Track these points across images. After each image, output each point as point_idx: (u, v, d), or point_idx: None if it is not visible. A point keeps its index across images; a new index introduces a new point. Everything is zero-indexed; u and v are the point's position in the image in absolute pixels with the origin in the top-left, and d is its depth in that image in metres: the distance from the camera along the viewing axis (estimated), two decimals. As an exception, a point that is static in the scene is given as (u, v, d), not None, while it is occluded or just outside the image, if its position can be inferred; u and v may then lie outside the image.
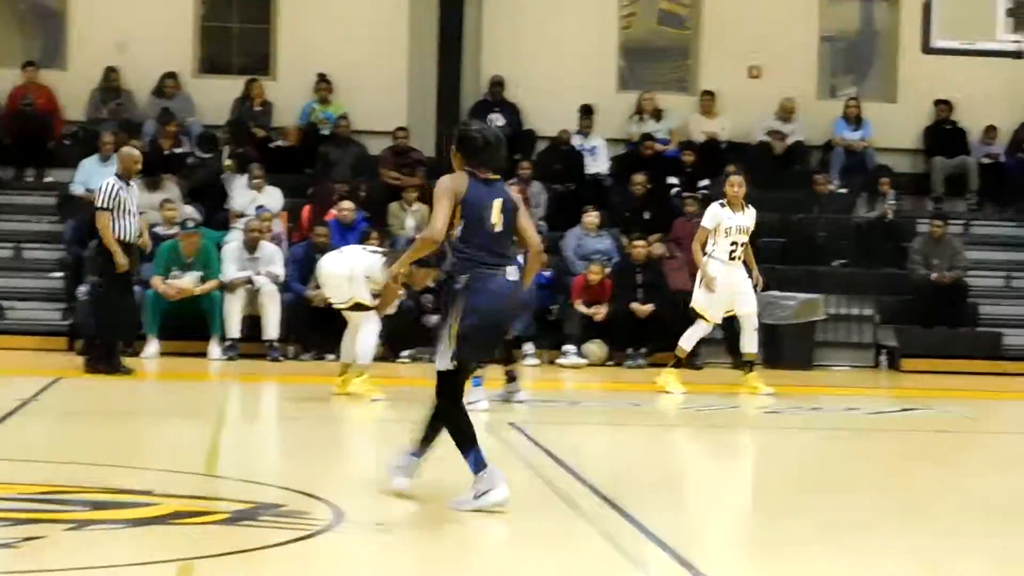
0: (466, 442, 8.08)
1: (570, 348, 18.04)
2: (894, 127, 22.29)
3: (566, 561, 7.21)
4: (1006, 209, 22.04)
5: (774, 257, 20.04)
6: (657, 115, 21.94)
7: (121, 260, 14.79)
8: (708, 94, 22.04)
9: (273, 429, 13.08)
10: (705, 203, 20.04)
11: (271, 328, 17.60)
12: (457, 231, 8.04)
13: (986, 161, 22.16)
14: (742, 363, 15.40)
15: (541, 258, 8.75)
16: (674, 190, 20.93)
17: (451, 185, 8.10)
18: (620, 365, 18.01)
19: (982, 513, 8.93)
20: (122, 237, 14.86)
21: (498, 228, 8.16)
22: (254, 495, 8.48)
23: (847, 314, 19.59)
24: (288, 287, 17.82)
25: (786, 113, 22.00)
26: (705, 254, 14.83)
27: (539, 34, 21.85)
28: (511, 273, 8.20)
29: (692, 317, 15.08)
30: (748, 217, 14.92)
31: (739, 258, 14.87)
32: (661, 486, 9.72)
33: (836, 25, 23.65)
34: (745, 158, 21.27)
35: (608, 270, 18.50)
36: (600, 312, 18.11)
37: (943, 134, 22.27)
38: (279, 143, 20.83)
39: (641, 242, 18.58)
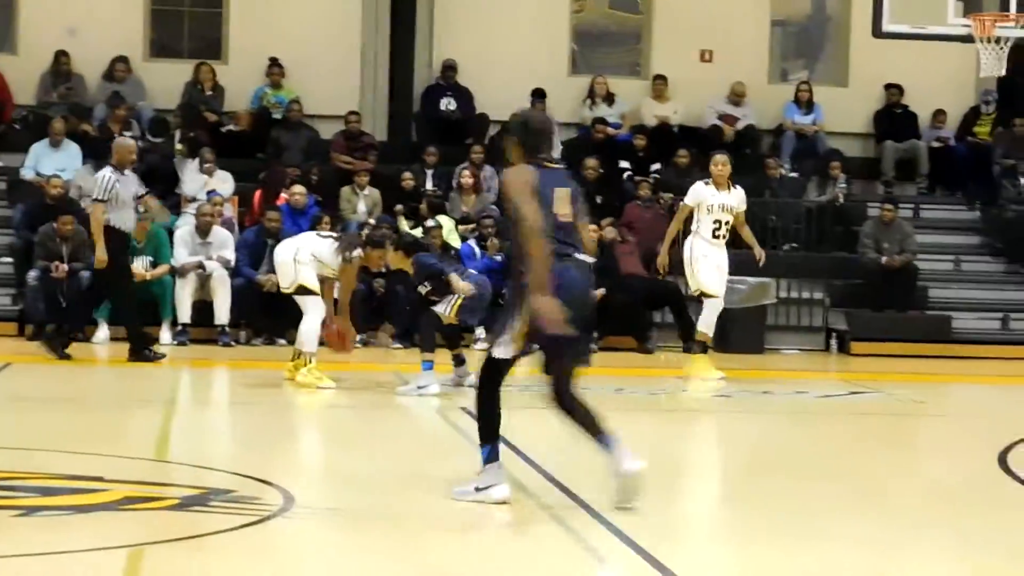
0: (490, 434, 7.96)
1: (522, 332, 18.00)
2: (845, 111, 22.39)
3: (520, 546, 7.23)
4: (956, 193, 22.17)
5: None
6: (609, 99, 21.97)
7: (102, 255, 14.81)
8: (660, 78, 22.07)
9: (224, 414, 13.05)
10: (656, 188, 20.20)
11: (222, 313, 17.55)
12: None
13: (936, 145, 22.28)
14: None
15: (592, 247, 8.34)
16: (626, 174, 20.97)
17: (526, 178, 7.74)
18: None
19: (934, 497, 8.99)
20: (119, 227, 14.89)
21: (567, 218, 7.91)
22: (205, 480, 8.47)
23: (797, 298, 19.69)
24: (239, 272, 17.77)
25: (737, 97, 22.06)
26: (689, 232, 14.84)
27: (492, 18, 21.84)
28: (581, 262, 7.95)
29: (700, 300, 15.04)
30: (734, 197, 14.94)
31: (723, 237, 14.87)
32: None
33: (787, 9, 23.74)
34: (696, 142, 21.39)
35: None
36: (552, 296, 18.09)
37: (893, 118, 22.39)
38: (230, 127, 20.75)
39: (593, 226, 18.56)
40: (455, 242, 18.45)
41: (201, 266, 17.62)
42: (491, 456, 7.95)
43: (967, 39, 17.38)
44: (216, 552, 6.79)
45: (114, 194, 14.81)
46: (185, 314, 17.50)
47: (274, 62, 21.16)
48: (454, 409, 11.97)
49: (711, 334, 15.07)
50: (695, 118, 22.07)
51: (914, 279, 19.81)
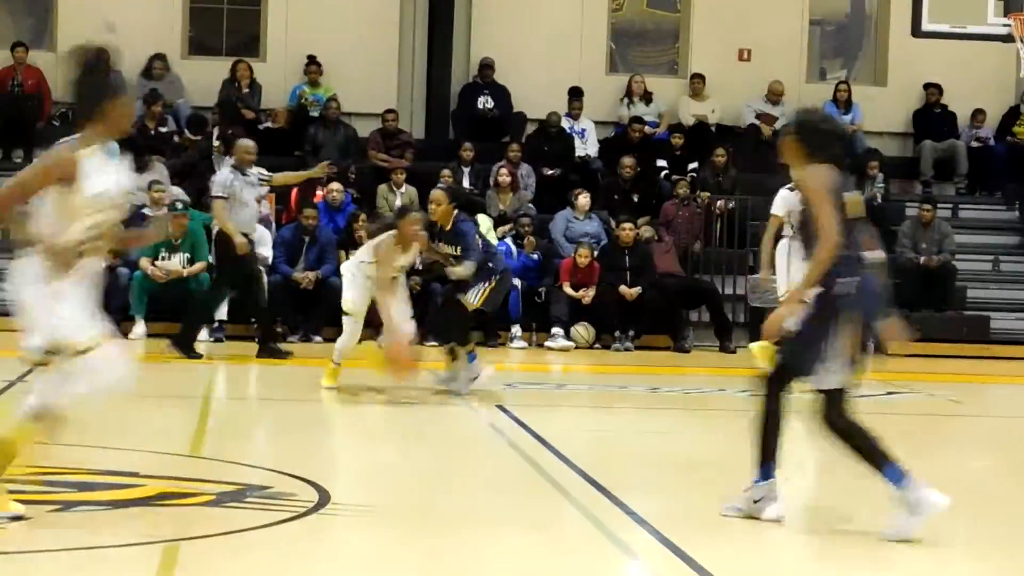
0: (771, 453, 7.61)
1: (558, 331, 18.03)
2: (883, 111, 22.31)
3: (553, 543, 7.23)
4: (994, 193, 22.07)
5: (757, 240, 20.04)
6: (647, 98, 21.93)
7: (240, 240, 15.06)
8: (698, 77, 22.03)
9: (260, 411, 13.08)
10: (694, 187, 20.16)
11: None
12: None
13: (975, 145, 22.17)
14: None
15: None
16: (663, 173, 20.94)
17: (829, 183, 7.35)
18: (607, 348, 18.01)
19: (980, 495, 8.96)
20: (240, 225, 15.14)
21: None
22: (241, 476, 8.49)
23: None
24: (276, 269, 17.80)
25: (775, 96, 22.00)
26: (780, 237, 14.34)
27: (529, 16, 21.84)
28: (876, 267, 7.67)
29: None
30: None
31: None
32: (647, 469, 9.74)
33: (826, 8, 23.66)
34: (734, 141, 21.36)
35: (596, 253, 18.50)
36: (587, 295, 18.12)
37: (932, 118, 22.28)
38: (268, 125, 20.79)
39: (629, 225, 18.57)
40: (492, 240, 18.46)
41: (238, 263, 17.64)
42: (769, 473, 7.60)
43: (1007, 38, 17.31)
44: (251, 548, 6.81)
45: (232, 191, 14.94)
46: (222, 311, 17.54)
47: (312, 60, 21.18)
48: (490, 406, 11.97)
49: None
50: (733, 117, 22.02)
51: (952, 279, 19.72)
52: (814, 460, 9.20)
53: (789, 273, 14.62)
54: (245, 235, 15.27)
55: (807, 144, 7.49)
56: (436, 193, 13.00)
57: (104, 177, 6.89)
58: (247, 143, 15.59)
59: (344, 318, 12.84)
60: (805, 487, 9.23)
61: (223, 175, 15.25)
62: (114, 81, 7.15)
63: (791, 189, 14.67)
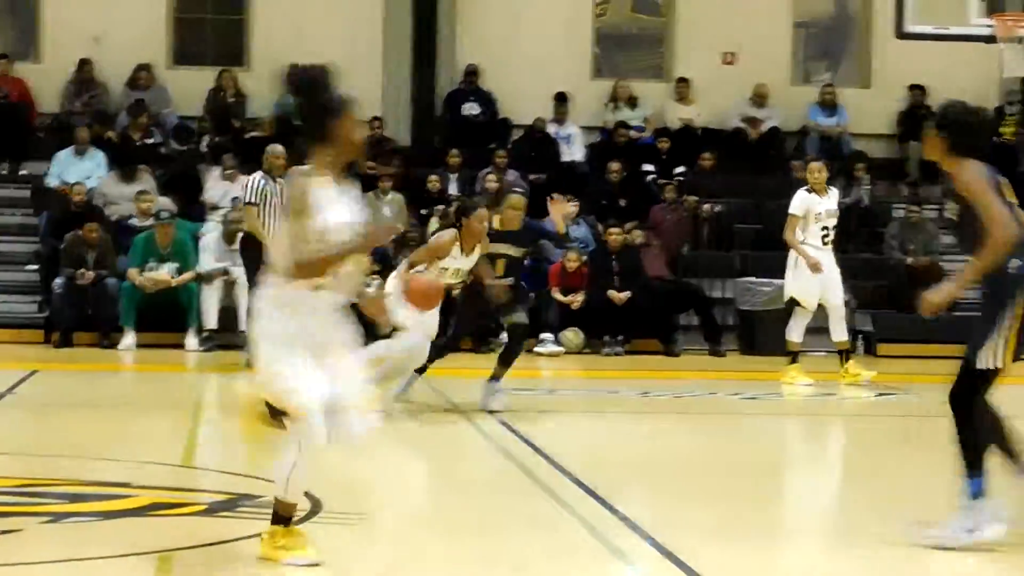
0: (977, 463, 7.12)
1: (547, 336, 18.03)
2: (868, 113, 22.34)
3: (547, 548, 7.23)
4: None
5: (750, 243, 20.10)
6: (632, 102, 21.96)
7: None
8: (683, 81, 22.06)
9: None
10: (680, 190, 20.17)
11: (247, 319, 17.55)
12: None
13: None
14: (836, 353, 15.23)
15: None
16: (649, 177, 20.95)
17: (984, 174, 7.18)
18: (597, 353, 18.01)
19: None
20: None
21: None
22: (232, 486, 8.48)
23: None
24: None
25: (760, 99, 22.03)
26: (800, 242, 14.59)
27: (513, 22, 21.84)
28: None
29: (789, 309, 14.98)
30: (833, 200, 14.82)
31: (831, 243, 14.77)
32: (639, 473, 9.74)
33: (810, 11, 23.70)
34: (720, 144, 21.39)
35: (584, 258, 18.51)
36: (577, 300, 18.12)
37: (917, 119, 22.30)
38: (254, 134, 20.78)
39: (617, 229, 18.58)
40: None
41: (226, 272, 17.64)
42: (979, 492, 7.09)
43: (990, 39, 17.33)
44: (244, 558, 6.80)
45: (263, 197, 14.70)
46: (211, 320, 17.52)
47: (297, 68, 21.13)
48: (482, 412, 11.96)
49: (799, 341, 14.94)
50: (718, 120, 22.04)
51: (940, 280, 19.67)
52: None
53: (794, 276, 14.69)
54: None
55: (952, 138, 7.30)
56: (518, 199, 12.28)
57: (338, 207, 6.55)
58: (276, 148, 15.22)
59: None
60: (806, 491, 9.24)
61: (255, 181, 14.87)
62: (338, 100, 6.65)
63: (808, 191, 14.73)
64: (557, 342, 18.05)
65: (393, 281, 11.67)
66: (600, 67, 22.71)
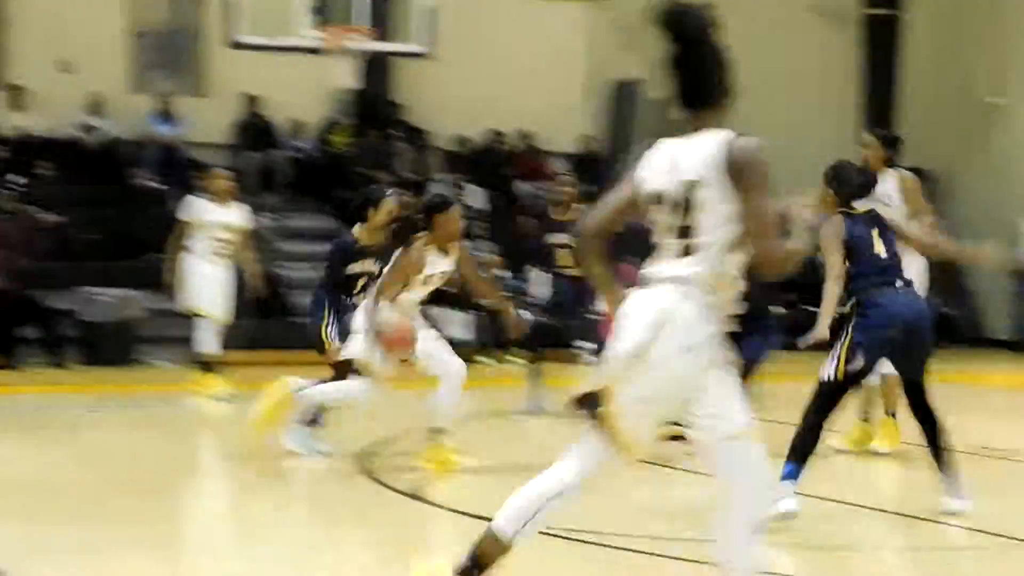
0: (798, 456, 8.10)
1: None
2: (207, 121, 22.57)
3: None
4: (319, 202, 22.62)
5: (88, 253, 19.97)
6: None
7: None
8: (16, 88, 21.64)
9: None
10: (20, 200, 19.68)
11: None
12: None
13: (296, 155, 22.87)
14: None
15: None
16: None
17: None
18: None
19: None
20: None
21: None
22: None
23: (170, 308, 19.65)
24: None
25: (97, 107, 21.90)
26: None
27: None
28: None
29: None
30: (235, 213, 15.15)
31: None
32: None
33: (147, 19, 23.68)
34: (58, 154, 21.09)
35: None
36: None
37: (253, 128, 22.80)
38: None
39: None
40: None
41: None
42: (792, 474, 8.11)
43: (319, 51, 18.00)
44: None
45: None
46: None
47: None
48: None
49: (213, 351, 14.93)
50: (56, 129, 21.72)
51: (277, 287, 20.13)
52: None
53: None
54: None
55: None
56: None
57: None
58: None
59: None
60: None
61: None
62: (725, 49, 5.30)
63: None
64: None
65: (360, 316, 10.29)
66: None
